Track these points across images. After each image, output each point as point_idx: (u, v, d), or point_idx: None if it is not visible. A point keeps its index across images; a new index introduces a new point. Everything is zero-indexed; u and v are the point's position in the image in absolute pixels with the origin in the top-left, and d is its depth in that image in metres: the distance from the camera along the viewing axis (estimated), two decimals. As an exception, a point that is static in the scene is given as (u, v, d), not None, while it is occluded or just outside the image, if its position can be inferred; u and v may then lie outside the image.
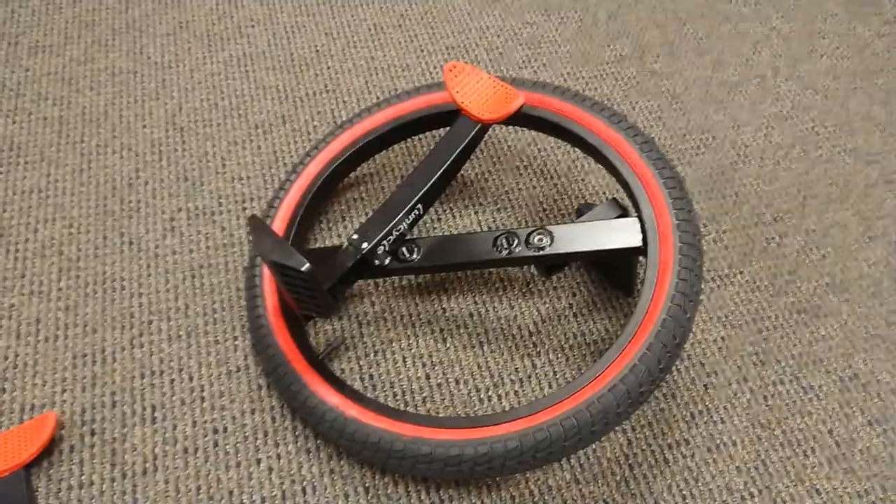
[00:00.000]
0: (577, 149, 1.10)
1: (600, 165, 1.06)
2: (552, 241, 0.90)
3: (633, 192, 0.90)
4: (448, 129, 0.98)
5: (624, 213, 0.95)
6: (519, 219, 1.10)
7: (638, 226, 0.89)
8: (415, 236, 0.96)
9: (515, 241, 0.91)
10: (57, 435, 0.89)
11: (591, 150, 0.96)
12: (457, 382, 0.95)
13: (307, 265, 0.76)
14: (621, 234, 0.89)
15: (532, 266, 1.04)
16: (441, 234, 1.09)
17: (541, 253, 0.90)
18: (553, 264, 0.96)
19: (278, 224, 0.99)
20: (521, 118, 1.00)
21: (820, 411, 0.94)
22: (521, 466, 0.79)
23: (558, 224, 0.95)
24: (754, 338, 0.99)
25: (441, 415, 0.92)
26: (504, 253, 0.91)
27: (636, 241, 0.88)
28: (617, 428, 0.91)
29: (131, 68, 1.27)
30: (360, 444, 0.82)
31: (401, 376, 0.95)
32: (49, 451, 0.88)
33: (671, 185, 0.88)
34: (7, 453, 0.85)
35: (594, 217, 0.95)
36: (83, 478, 0.86)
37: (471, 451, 0.78)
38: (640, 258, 0.98)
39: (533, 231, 0.91)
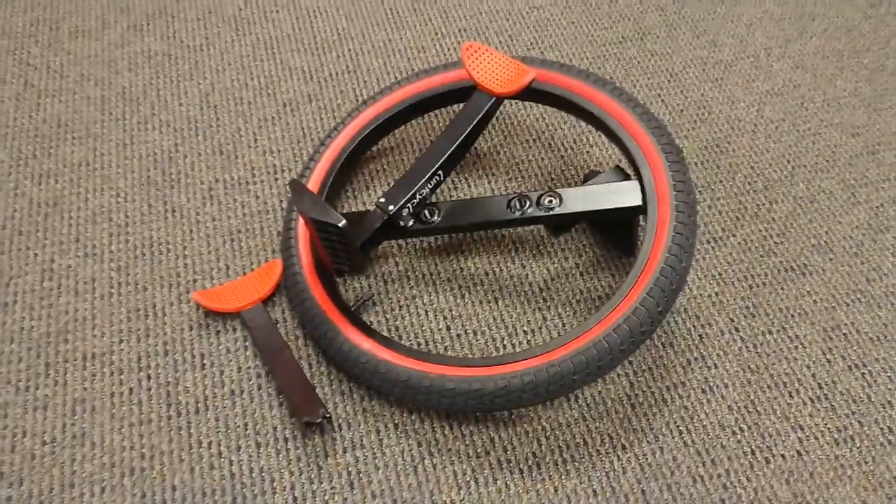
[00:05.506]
0: (582, 121, 1.19)
1: (603, 134, 1.15)
2: (561, 202, 0.99)
3: (634, 157, 0.99)
4: (464, 104, 1.08)
5: (626, 179, 1.03)
6: (529, 187, 1.19)
7: (639, 187, 0.98)
8: (435, 201, 1.05)
9: (528, 203, 1.00)
10: (117, 379, 0.99)
11: (594, 121, 1.05)
12: (475, 333, 1.04)
13: (344, 221, 0.86)
14: (624, 194, 0.98)
15: (542, 228, 1.13)
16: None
17: (551, 213, 0.99)
18: (561, 224, 1.05)
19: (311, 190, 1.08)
20: (531, 93, 1.09)
21: (804, 357, 1.03)
22: (536, 399, 0.88)
23: (566, 188, 1.04)
24: (745, 293, 1.09)
25: (461, 361, 1.02)
26: (517, 213, 1.00)
27: (637, 200, 0.97)
28: (620, 367, 1.00)
29: (165, 51, 1.36)
30: (391, 382, 0.92)
31: (424, 328, 1.04)
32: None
33: (668, 150, 0.97)
34: (250, 292, 1.04)
35: (599, 182, 1.04)
36: (142, 416, 0.96)
37: (491, 385, 0.88)
38: (641, 220, 1.07)
39: (543, 193, 1.00)
